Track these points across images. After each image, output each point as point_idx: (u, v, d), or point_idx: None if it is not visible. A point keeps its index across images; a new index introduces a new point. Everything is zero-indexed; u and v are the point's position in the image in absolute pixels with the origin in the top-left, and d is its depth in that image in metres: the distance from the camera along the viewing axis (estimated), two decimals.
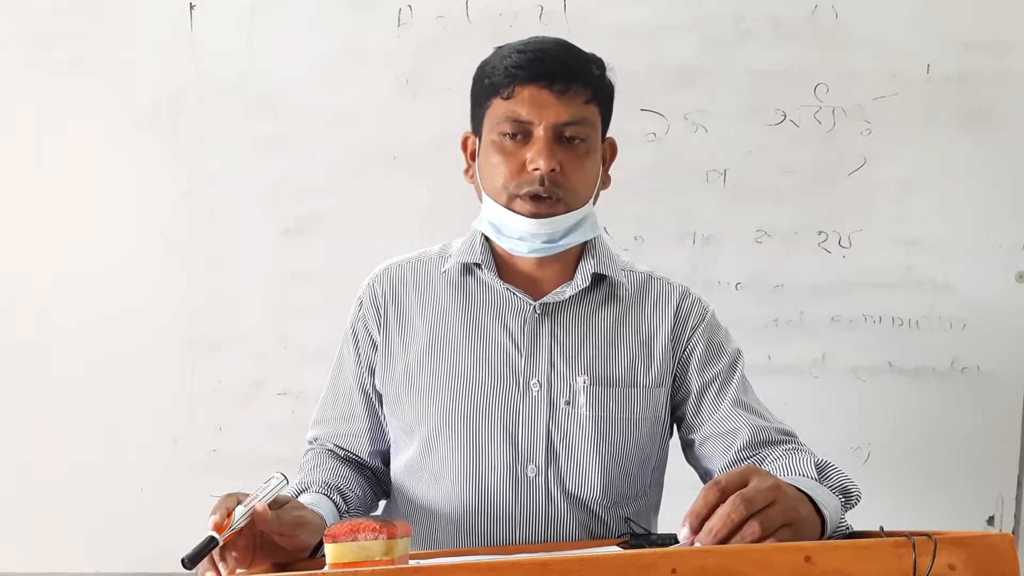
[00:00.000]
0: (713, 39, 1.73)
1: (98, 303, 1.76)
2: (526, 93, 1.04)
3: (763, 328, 1.75)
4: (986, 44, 1.71)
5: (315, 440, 1.20)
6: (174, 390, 1.76)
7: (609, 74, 1.10)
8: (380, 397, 1.16)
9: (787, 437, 1.09)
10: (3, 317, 1.76)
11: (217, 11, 1.75)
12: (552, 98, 1.03)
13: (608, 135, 1.14)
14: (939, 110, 1.73)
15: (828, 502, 0.85)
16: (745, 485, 0.74)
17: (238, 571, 0.86)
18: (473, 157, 1.14)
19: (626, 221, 1.69)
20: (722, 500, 0.73)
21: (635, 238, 1.74)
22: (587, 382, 1.09)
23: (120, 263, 1.76)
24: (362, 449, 1.18)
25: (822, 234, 1.75)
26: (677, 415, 1.16)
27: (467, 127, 1.16)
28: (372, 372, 1.16)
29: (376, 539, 0.75)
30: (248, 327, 1.76)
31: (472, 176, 1.14)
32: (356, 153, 1.75)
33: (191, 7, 1.75)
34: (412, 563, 0.78)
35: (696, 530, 0.73)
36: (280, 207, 1.76)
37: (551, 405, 1.09)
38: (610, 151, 1.16)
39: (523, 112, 1.04)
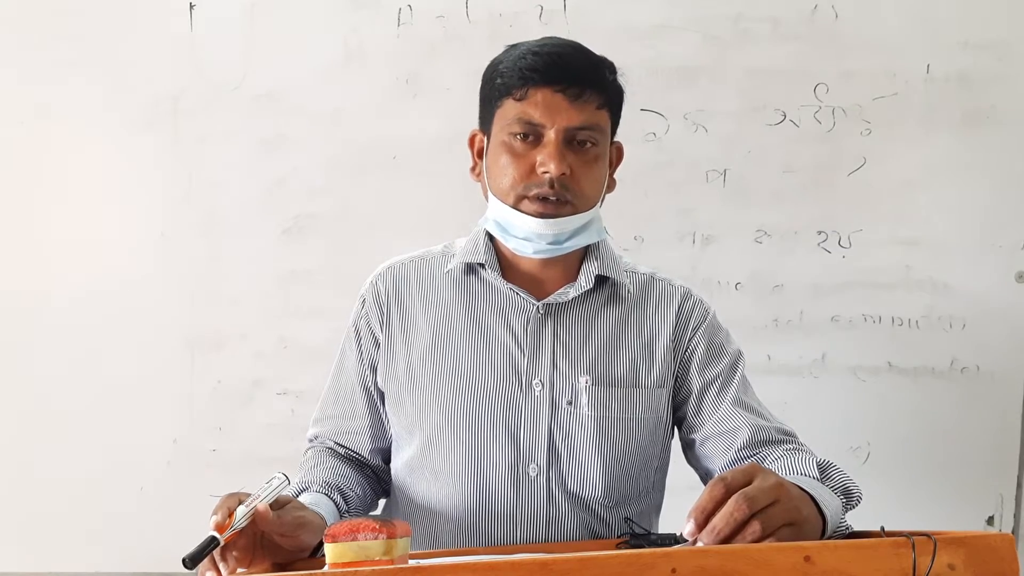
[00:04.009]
0: (713, 39, 1.73)
1: (98, 303, 1.76)
2: (539, 96, 1.03)
3: (763, 328, 1.75)
4: (986, 44, 1.71)
5: (316, 438, 1.20)
6: (174, 390, 1.76)
7: (619, 78, 1.10)
8: (382, 395, 1.16)
9: (787, 437, 1.10)
10: (2, 317, 1.76)
11: (217, 11, 1.75)
12: (565, 102, 1.03)
13: (615, 139, 1.14)
14: (939, 110, 1.72)
15: (830, 502, 0.85)
16: (749, 483, 0.74)
17: (238, 571, 0.86)
18: (480, 155, 1.14)
19: (626, 221, 1.69)
20: (727, 496, 0.73)
21: (635, 238, 1.74)
22: (589, 382, 1.10)
23: (120, 263, 1.76)
24: (363, 447, 1.18)
25: (822, 234, 1.75)
26: (678, 415, 1.16)
27: (467, 126, 1.16)
28: (374, 369, 1.16)
29: (376, 539, 0.75)
30: (248, 327, 1.76)
31: (479, 174, 1.14)
32: (356, 153, 1.75)
33: (191, 7, 1.75)
34: (412, 563, 0.78)
35: (701, 525, 0.73)
36: (280, 207, 1.76)
37: (553, 405, 1.09)
38: (617, 155, 1.16)
39: (535, 115, 1.04)
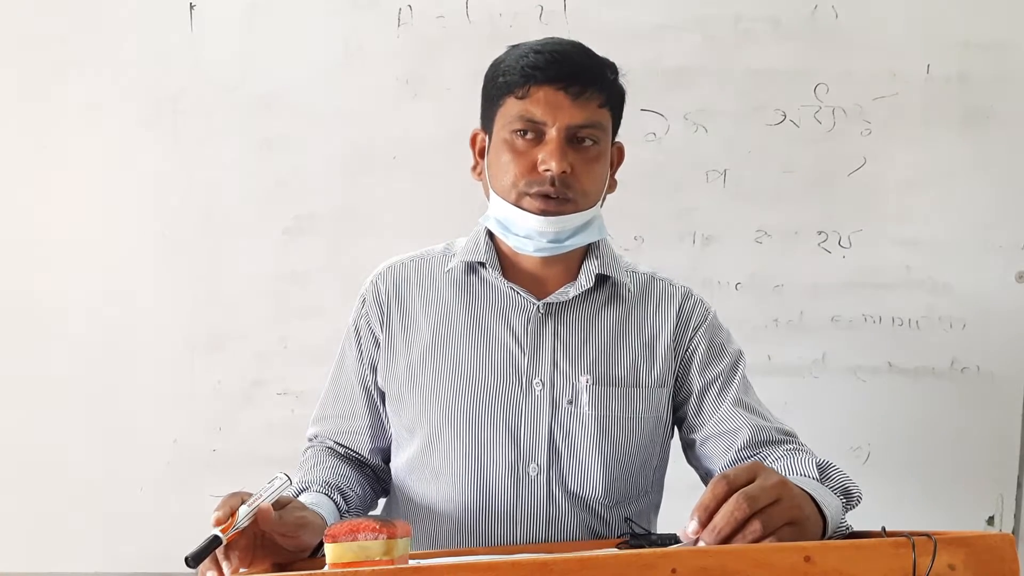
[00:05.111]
0: (713, 39, 1.73)
1: (98, 303, 1.76)
2: (541, 94, 1.04)
3: (763, 328, 1.75)
4: (986, 44, 1.71)
5: (315, 437, 1.20)
6: (174, 390, 1.76)
7: (621, 79, 1.11)
8: (382, 394, 1.16)
9: (787, 437, 1.10)
10: (3, 317, 1.76)
11: (217, 11, 1.75)
12: (567, 100, 1.03)
13: (616, 140, 1.14)
14: (939, 110, 1.72)
15: (830, 502, 0.85)
16: (752, 481, 0.74)
17: (240, 571, 0.86)
18: (482, 154, 1.14)
19: (626, 221, 1.69)
20: (730, 494, 0.73)
21: (635, 238, 1.74)
22: (589, 382, 1.10)
23: (120, 263, 1.76)
24: (363, 446, 1.18)
25: (822, 234, 1.75)
26: (678, 415, 1.17)
27: (467, 126, 1.16)
28: (374, 369, 1.16)
29: (376, 539, 0.75)
30: (248, 327, 1.76)
31: (480, 173, 1.14)
32: (356, 153, 1.75)
33: (191, 7, 1.75)
34: (412, 563, 0.78)
35: (705, 523, 0.73)
36: (280, 207, 1.76)
37: (553, 404, 1.09)
38: (618, 155, 1.16)
39: (537, 112, 1.04)
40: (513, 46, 1.09)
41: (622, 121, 1.15)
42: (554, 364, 1.10)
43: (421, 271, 1.17)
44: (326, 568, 0.75)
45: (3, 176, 1.76)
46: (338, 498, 1.08)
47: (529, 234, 1.07)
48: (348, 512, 1.09)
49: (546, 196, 1.04)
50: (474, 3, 1.73)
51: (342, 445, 1.18)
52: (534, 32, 1.27)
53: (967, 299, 1.73)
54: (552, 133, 1.04)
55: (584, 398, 1.09)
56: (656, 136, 1.75)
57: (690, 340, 1.15)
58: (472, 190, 1.19)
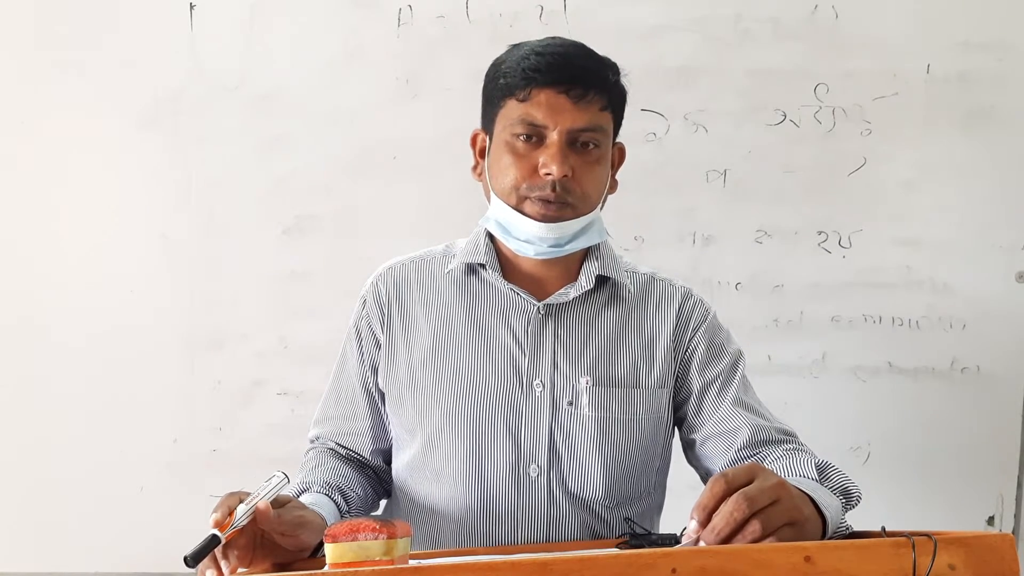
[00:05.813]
0: (713, 39, 1.73)
1: (98, 303, 1.76)
2: (542, 97, 1.03)
3: (763, 328, 1.75)
4: (986, 44, 1.71)
5: (317, 439, 1.20)
6: (174, 390, 1.76)
7: (622, 79, 1.10)
8: (383, 395, 1.16)
9: (787, 437, 1.10)
10: (3, 317, 1.77)
11: (217, 11, 1.75)
12: (568, 103, 1.03)
13: (617, 140, 1.14)
14: (939, 110, 1.72)
15: (829, 503, 0.85)
16: (750, 482, 0.74)
17: (239, 570, 0.86)
18: (482, 154, 1.13)
19: (626, 221, 1.69)
20: (728, 493, 0.73)
21: (635, 238, 1.74)
22: (590, 383, 1.10)
23: (120, 263, 1.76)
24: (364, 448, 1.18)
25: (822, 234, 1.75)
26: (679, 415, 1.16)
27: (467, 126, 1.16)
28: (375, 370, 1.16)
29: (376, 539, 0.75)
30: (248, 327, 1.76)
31: (480, 174, 1.14)
32: (356, 153, 1.75)
33: (191, 7, 1.75)
34: (412, 563, 0.78)
35: (704, 523, 0.73)
36: (280, 207, 1.76)
37: (553, 405, 1.09)
38: (619, 156, 1.16)
39: (538, 116, 1.03)
40: (514, 46, 1.09)
41: (623, 121, 1.14)
42: (554, 365, 1.10)
43: (421, 272, 1.17)
44: (326, 568, 0.75)
45: (2, 176, 1.76)
46: (339, 498, 1.08)
47: (529, 239, 1.07)
48: (349, 513, 1.09)
49: (546, 201, 1.04)
50: (474, 3, 1.73)
51: (343, 447, 1.18)
52: (534, 32, 1.26)
53: (967, 299, 1.73)
54: (553, 136, 1.03)
55: (584, 399, 1.09)
56: (656, 136, 1.75)
57: (690, 340, 1.15)
58: (472, 190, 1.19)
